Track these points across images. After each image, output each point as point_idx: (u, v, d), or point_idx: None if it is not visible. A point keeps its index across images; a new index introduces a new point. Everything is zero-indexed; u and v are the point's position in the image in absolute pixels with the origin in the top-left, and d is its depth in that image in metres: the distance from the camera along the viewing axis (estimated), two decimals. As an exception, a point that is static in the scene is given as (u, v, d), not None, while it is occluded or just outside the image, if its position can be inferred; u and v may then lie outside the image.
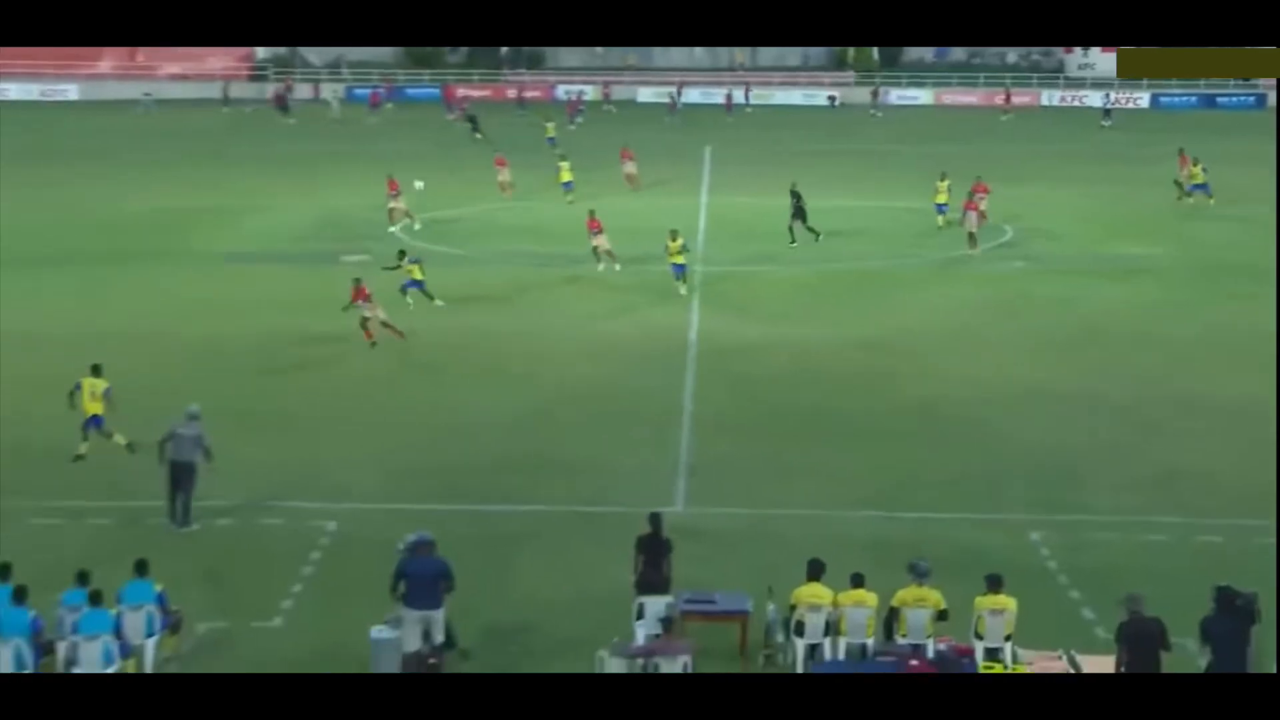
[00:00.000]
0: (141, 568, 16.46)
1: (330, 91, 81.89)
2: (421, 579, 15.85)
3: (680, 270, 34.35)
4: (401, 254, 33.79)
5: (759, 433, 24.70)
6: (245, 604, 17.79)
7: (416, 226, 42.41)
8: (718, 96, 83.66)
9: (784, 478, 22.50)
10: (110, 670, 15.20)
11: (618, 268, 36.62)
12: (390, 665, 15.69)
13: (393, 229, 41.84)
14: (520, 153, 55.12)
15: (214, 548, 19.60)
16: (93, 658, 15.16)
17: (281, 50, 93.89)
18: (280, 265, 38.09)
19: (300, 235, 42.42)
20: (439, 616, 15.86)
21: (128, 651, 15.54)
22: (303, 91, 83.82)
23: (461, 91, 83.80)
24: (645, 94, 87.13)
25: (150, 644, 15.90)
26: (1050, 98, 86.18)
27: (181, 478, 20.05)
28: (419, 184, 26.77)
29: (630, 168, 51.14)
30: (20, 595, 15.59)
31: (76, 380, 22.88)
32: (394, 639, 15.77)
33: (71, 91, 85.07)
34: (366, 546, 19.08)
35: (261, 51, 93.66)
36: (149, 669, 15.79)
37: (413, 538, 16.51)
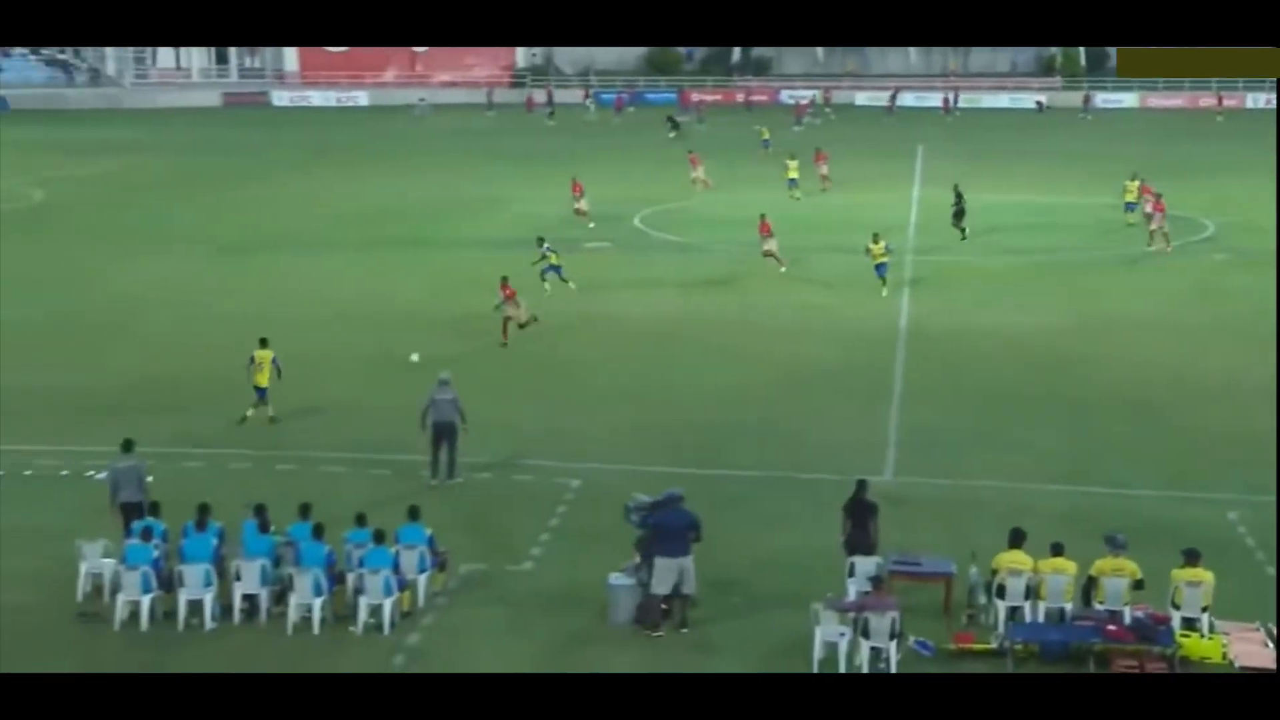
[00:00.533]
0: (414, 513, 17.07)
1: (590, 97, 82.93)
2: (674, 529, 15.94)
3: (882, 270, 33.11)
4: (540, 240, 33.32)
5: (962, 409, 24.12)
6: (501, 549, 18.25)
7: (591, 225, 42.03)
8: (931, 100, 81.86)
9: (986, 452, 21.94)
10: (389, 600, 15.85)
11: (783, 270, 35.22)
12: (626, 608, 15.93)
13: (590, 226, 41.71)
14: (739, 152, 54.97)
15: (474, 499, 20.14)
16: (376, 588, 15.80)
17: (538, 60, 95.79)
18: (532, 251, 38.89)
19: (551, 224, 43.19)
20: (690, 564, 15.93)
21: (403, 585, 16.15)
22: (565, 97, 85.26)
23: (695, 96, 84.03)
24: (862, 98, 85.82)
25: (422, 579, 16.49)
26: (1255, 100, 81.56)
27: (444, 437, 20.58)
28: (415, 357, 25.72)
29: (824, 169, 50.33)
30: (318, 532, 16.36)
31: (250, 354, 23.18)
32: (629, 585, 16.00)
33: (362, 98, 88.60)
34: (605, 502, 19.29)
35: (521, 60, 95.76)
36: (421, 602, 16.38)
37: (645, 498, 16.64)
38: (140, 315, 31.09)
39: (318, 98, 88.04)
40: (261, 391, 23.04)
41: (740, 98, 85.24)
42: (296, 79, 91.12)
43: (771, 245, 35.57)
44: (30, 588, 16.60)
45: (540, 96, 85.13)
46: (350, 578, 16.15)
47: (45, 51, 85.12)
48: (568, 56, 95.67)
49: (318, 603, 15.77)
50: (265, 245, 39.46)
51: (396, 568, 16.14)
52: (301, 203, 47.80)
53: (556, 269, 32.79)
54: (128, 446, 18.06)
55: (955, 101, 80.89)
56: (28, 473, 20.45)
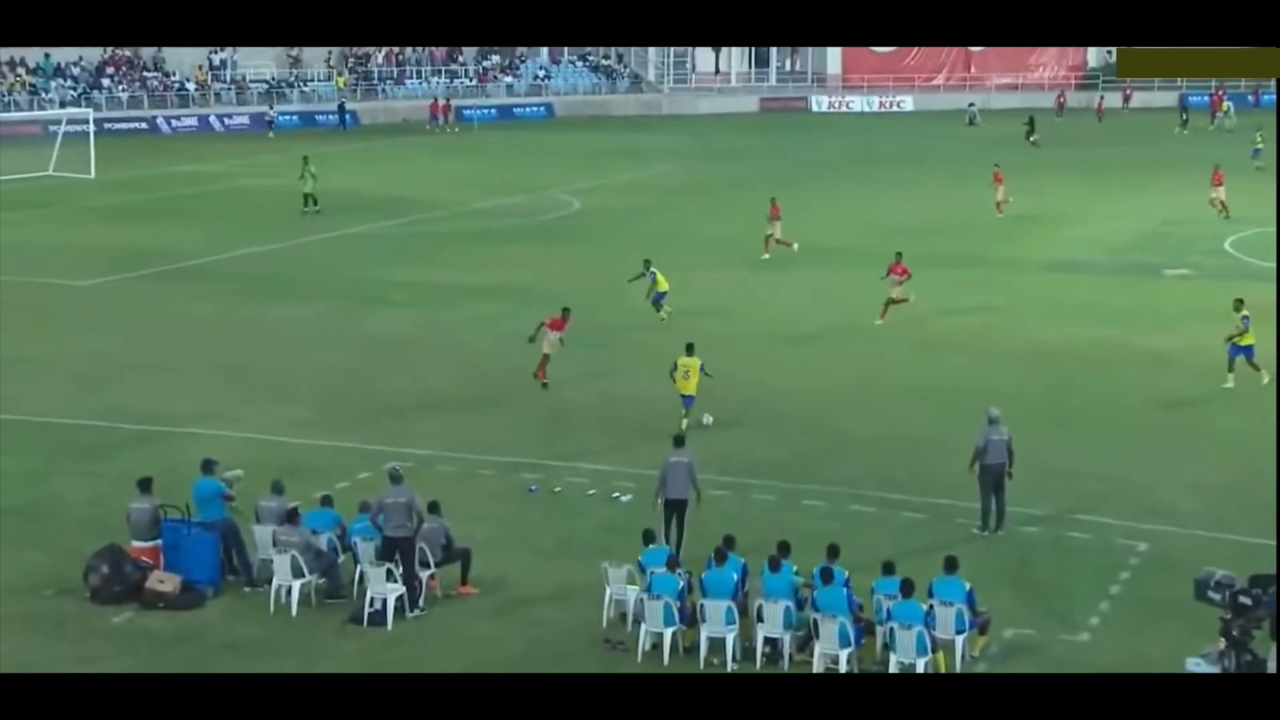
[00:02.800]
0: (952, 565, 16.84)
1: (1226, 104, 78.32)
2: None
3: (1240, 353, 26.74)
4: (646, 263, 32.70)
5: None
6: (1051, 614, 17.66)
7: (796, 247, 39.64)
8: None
9: None
10: (923, 660, 15.71)
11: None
12: (1209, 703, 14.86)
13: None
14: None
15: (1021, 554, 19.60)
16: (908, 646, 15.75)
17: (1114, 58, 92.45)
18: (1098, 275, 37.65)
19: (1124, 244, 41.55)
20: None
21: (937, 645, 15.98)
22: (1144, 99, 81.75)
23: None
24: None
25: (959, 640, 16.23)
26: None
27: (993, 482, 20.15)
28: (708, 419, 24.47)
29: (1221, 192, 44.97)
30: (826, 576, 16.43)
31: (674, 360, 24.04)
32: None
33: (907, 103, 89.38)
34: (1179, 573, 18.08)
35: (1092, 60, 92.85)
36: (958, 666, 16.14)
37: (1223, 573, 15.41)
38: (666, 332, 32.46)
39: (859, 102, 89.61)
40: (688, 399, 24.08)
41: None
42: (837, 82, 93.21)
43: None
44: (559, 606, 17.92)
45: (1114, 100, 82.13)
46: (879, 631, 16.19)
47: (592, 58, 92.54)
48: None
49: (844, 654, 15.93)
50: (803, 258, 39.97)
51: (931, 625, 16.01)
52: (843, 214, 48.60)
53: (660, 296, 32.25)
54: (679, 442, 19.55)
55: None
56: (557, 489, 22.09)
